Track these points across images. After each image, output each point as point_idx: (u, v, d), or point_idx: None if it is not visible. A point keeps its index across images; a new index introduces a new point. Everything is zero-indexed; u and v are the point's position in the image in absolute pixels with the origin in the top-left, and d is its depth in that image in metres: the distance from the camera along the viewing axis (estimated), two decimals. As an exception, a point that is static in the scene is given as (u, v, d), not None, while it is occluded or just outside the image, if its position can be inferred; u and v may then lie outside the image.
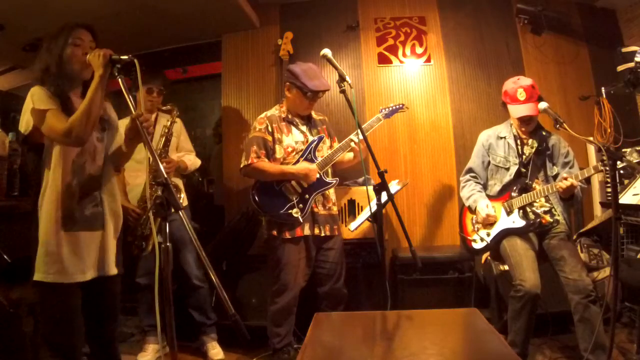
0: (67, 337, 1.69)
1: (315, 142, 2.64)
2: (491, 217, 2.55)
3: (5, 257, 2.46)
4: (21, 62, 3.95)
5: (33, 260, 1.68)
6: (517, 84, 2.51)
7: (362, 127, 2.62)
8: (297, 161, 2.60)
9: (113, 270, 1.82)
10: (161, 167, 1.40)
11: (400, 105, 2.87)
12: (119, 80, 1.56)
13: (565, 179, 2.33)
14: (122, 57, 1.60)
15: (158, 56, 3.99)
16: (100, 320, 1.84)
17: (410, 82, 3.72)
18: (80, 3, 3.01)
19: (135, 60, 1.59)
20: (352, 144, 2.58)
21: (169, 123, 2.78)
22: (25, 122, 1.72)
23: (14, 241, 2.53)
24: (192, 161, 3.07)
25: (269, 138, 2.60)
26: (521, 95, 2.48)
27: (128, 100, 1.48)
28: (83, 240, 1.72)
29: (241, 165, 2.61)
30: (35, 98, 1.68)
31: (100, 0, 3.03)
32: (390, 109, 2.83)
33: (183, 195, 2.91)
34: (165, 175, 1.35)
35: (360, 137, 2.53)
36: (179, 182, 2.97)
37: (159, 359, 2.77)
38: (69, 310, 1.69)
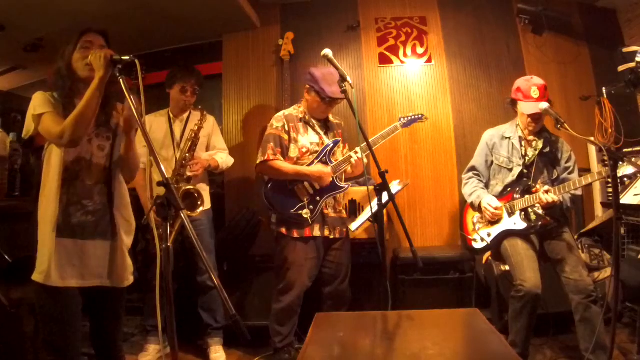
0: (62, 337, 1.68)
1: (331, 146, 2.63)
2: (499, 211, 2.54)
3: (6, 257, 2.46)
4: (22, 62, 3.95)
5: (34, 260, 1.69)
6: (531, 82, 2.51)
7: (379, 135, 2.64)
8: (312, 162, 2.60)
9: (121, 282, 1.81)
10: (162, 168, 1.39)
11: (420, 116, 2.80)
12: (120, 81, 1.55)
13: (547, 192, 2.35)
14: (124, 57, 1.59)
15: (159, 56, 3.99)
16: (103, 323, 1.84)
17: (411, 82, 3.72)
18: (81, 3, 3.01)
19: (137, 61, 1.58)
20: (352, 160, 2.58)
21: (196, 128, 2.78)
22: (26, 127, 1.74)
23: (15, 241, 2.53)
24: (224, 160, 3.03)
25: (285, 136, 2.61)
26: (535, 93, 2.48)
27: (129, 100, 1.48)
28: (69, 248, 1.70)
29: (257, 162, 2.62)
30: (36, 103, 1.69)
31: (101, 0, 3.03)
32: (410, 118, 2.77)
33: (205, 199, 2.84)
34: (167, 177, 1.34)
35: (357, 156, 2.56)
36: (204, 186, 2.93)
37: (160, 359, 2.77)
38: (64, 311, 1.68)
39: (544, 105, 2.37)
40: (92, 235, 1.75)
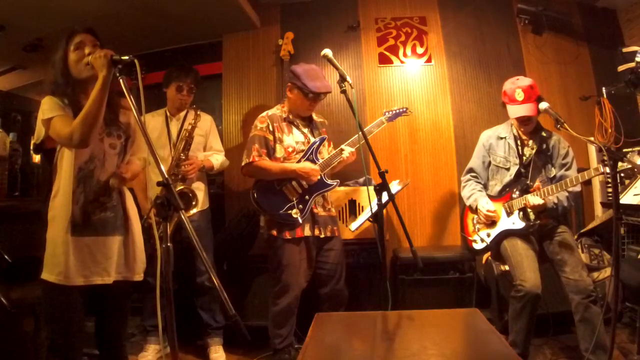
0: (66, 336, 1.70)
1: (317, 143, 2.63)
2: (492, 214, 2.54)
3: (6, 257, 2.46)
4: (22, 62, 3.95)
5: (42, 260, 1.71)
6: (516, 85, 2.50)
7: (365, 130, 2.63)
8: (299, 161, 2.59)
9: (137, 276, 1.85)
10: (162, 168, 1.39)
11: (404, 109, 2.88)
12: (120, 81, 1.55)
13: (538, 188, 2.37)
14: (123, 57, 1.59)
15: (159, 56, 3.99)
16: (110, 322, 1.86)
17: (411, 82, 3.72)
18: (80, 3, 3.01)
19: (136, 61, 1.58)
20: (344, 155, 2.58)
21: (189, 127, 2.78)
22: (37, 132, 1.78)
23: (15, 241, 2.53)
24: (220, 161, 3.04)
25: (270, 137, 2.59)
26: (519, 95, 2.47)
27: (129, 100, 1.48)
28: (92, 246, 1.73)
29: (242, 164, 2.60)
30: (45, 108, 1.71)
31: (100, 0, 3.03)
32: (394, 112, 2.84)
33: (201, 198, 2.86)
34: (167, 177, 1.34)
35: (348, 149, 2.59)
36: (200, 186, 2.94)
37: (160, 359, 2.77)
38: (69, 311, 1.70)
39: (544, 105, 2.37)
40: (112, 231, 1.79)
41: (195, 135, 2.83)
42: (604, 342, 2.20)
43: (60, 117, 1.69)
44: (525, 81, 2.51)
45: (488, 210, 2.54)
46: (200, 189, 2.90)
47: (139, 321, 3.15)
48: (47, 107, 1.70)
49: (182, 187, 2.71)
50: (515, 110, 2.49)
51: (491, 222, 2.59)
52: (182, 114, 2.98)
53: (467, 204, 2.71)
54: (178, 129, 2.93)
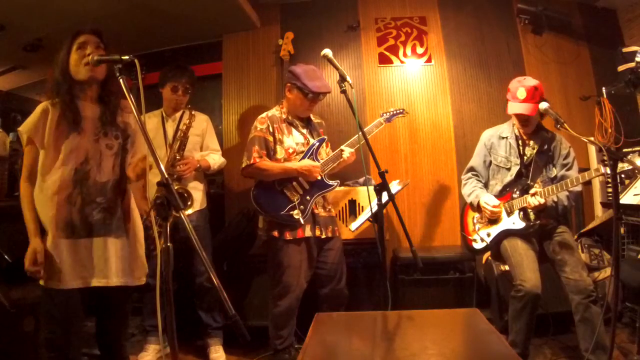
0: (65, 336, 1.70)
1: (317, 145, 2.63)
2: (497, 209, 2.53)
3: (5, 257, 2.46)
4: (22, 62, 3.95)
5: None
6: (521, 83, 2.50)
7: (364, 130, 2.64)
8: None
9: (138, 280, 1.84)
10: (162, 168, 1.39)
11: (401, 110, 2.95)
12: (120, 81, 1.55)
13: (534, 194, 2.36)
14: (123, 57, 1.59)
15: (159, 56, 3.99)
16: (110, 323, 1.86)
17: (411, 82, 3.72)
18: (80, 3, 3.01)
19: (136, 60, 1.58)
20: (344, 155, 2.59)
21: (184, 127, 2.77)
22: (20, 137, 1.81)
23: (15, 241, 2.53)
24: (217, 161, 3.03)
25: (270, 138, 2.58)
26: (521, 94, 2.47)
27: (129, 100, 1.48)
28: (89, 247, 1.73)
29: (243, 166, 2.58)
30: (28, 121, 1.73)
31: (100, 0, 3.03)
32: (390, 113, 2.90)
33: (198, 198, 2.88)
34: (167, 177, 1.34)
35: (348, 150, 2.62)
36: (198, 185, 2.94)
37: (160, 359, 2.77)
38: (68, 311, 1.71)
39: (544, 105, 2.37)
40: (109, 233, 1.78)
41: (191, 135, 2.82)
42: (604, 342, 2.20)
43: (28, 152, 1.74)
44: (530, 81, 2.51)
45: (494, 206, 2.53)
46: (197, 189, 2.90)
47: (139, 321, 3.15)
48: (29, 122, 1.72)
49: (177, 187, 2.71)
50: (513, 107, 2.50)
51: (493, 220, 2.59)
52: (178, 114, 2.97)
53: (468, 201, 2.71)
54: (174, 130, 2.92)
